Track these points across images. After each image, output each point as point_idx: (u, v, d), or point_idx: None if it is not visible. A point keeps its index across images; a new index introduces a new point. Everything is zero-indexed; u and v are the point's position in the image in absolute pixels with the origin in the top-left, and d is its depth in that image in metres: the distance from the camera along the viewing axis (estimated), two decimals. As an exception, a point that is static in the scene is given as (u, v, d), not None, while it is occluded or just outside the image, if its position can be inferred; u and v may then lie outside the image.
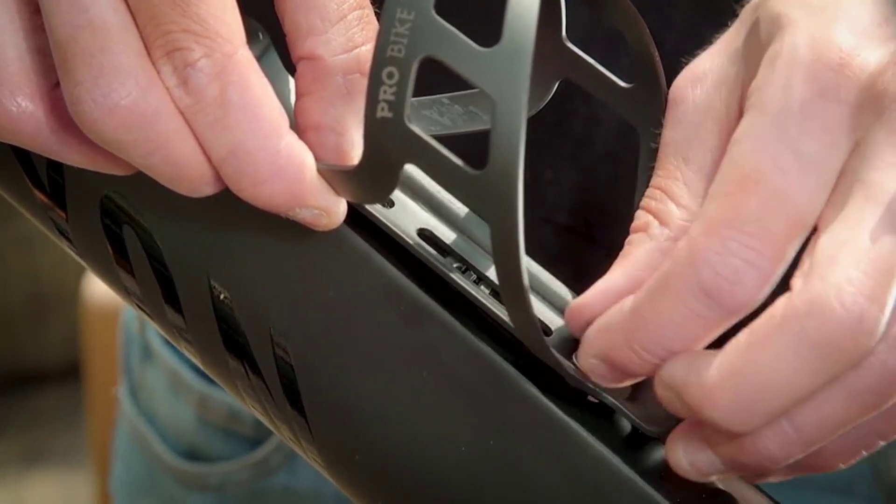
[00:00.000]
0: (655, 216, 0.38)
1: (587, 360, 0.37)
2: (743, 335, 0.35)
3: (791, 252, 0.35)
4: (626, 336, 0.36)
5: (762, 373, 0.34)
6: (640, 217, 0.38)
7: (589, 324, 0.37)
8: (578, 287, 0.41)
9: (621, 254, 0.38)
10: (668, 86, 0.41)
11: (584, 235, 0.56)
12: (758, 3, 0.38)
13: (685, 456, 0.37)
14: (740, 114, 0.37)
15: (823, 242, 0.35)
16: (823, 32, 0.36)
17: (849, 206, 0.35)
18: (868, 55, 0.35)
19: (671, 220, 0.37)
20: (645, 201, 0.39)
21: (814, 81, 0.35)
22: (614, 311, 0.37)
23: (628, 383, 0.38)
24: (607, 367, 0.37)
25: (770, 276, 0.34)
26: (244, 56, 0.35)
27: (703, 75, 0.39)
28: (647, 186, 0.39)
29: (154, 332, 0.75)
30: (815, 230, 0.36)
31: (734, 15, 0.40)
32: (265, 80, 0.36)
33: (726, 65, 0.38)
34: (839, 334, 0.33)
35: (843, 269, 0.34)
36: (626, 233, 0.40)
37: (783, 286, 0.35)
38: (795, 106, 0.35)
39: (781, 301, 0.34)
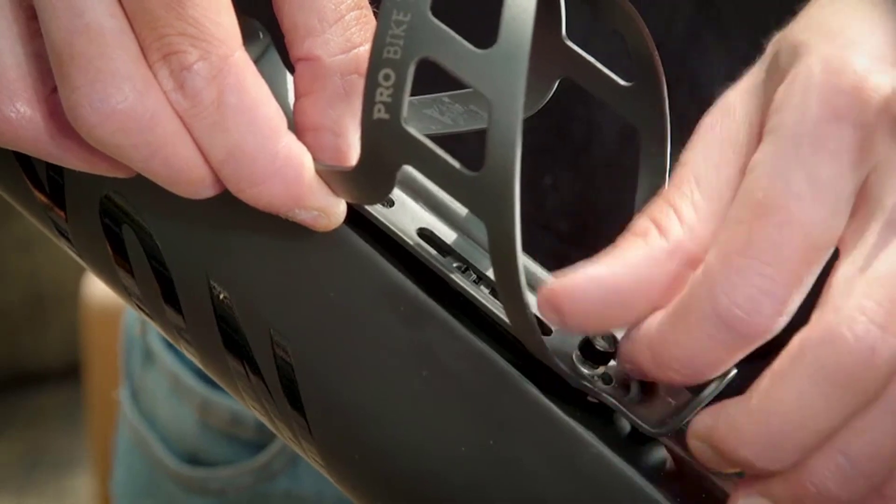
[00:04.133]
0: (657, 226, 0.38)
1: (623, 365, 0.38)
2: (766, 373, 0.35)
3: (808, 278, 0.35)
4: (653, 355, 0.36)
5: (785, 407, 0.34)
6: (641, 223, 0.38)
7: (562, 309, 0.37)
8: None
9: (612, 247, 0.38)
10: (668, 87, 0.41)
11: (583, 242, 0.56)
12: (781, 36, 0.38)
13: None
14: (759, 144, 0.37)
15: (840, 271, 0.35)
16: (838, 56, 0.35)
17: (867, 232, 0.35)
18: (883, 78, 0.35)
19: (671, 235, 0.37)
20: (650, 209, 0.39)
21: (828, 104, 0.35)
22: (644, 326, 0.37)
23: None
24: (637, 371, 0.38)
25: (786, 303, 0.34)
26: (240, 58, 0.35)
27: (731, 107, 0.39)
28: (653, 195, 0.39)
29: (155, 336, 0.75)
30: (837, 255, 0.36)
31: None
32: (262, 82, 0.36)
33: (751, 97, 0.38)
34: (853, 365, 0.33)
35: (855, 298, 0.34)
36: None
37: (809, 309, 0.35)
38: (809, 129, 0.35)
39: (798, 335, 0.34)
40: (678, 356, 0.36)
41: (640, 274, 0.36)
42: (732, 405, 0.35)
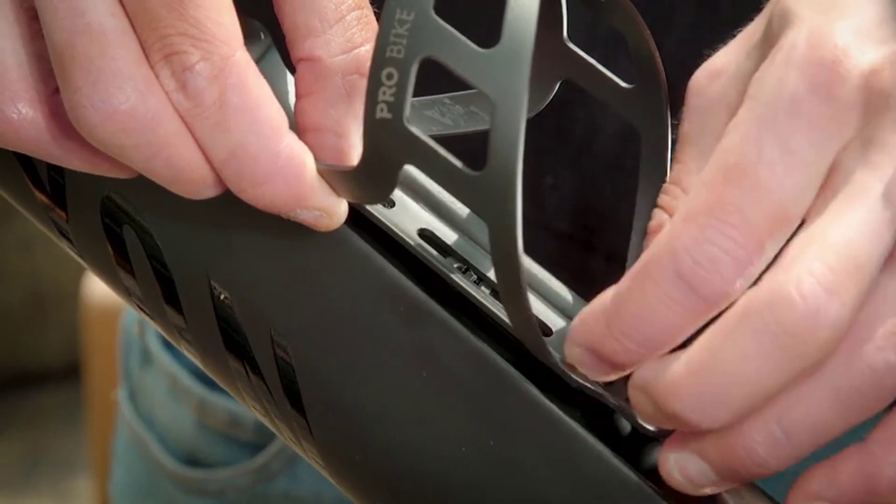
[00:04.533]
0: (671, 214, 0.38)
1: (572, 350, 0.37)
2: (707, 330, 0.35)
3: (772, 246, 0.35)
4: (608, 323, 0.36)
5: (726, 364, 0.34)
6: (656, 216, 0.38)
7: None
8: (578, 293, 0.41)
9: (639, 258, 0.38)
10: (669, 87, 0.41)
11: (584, 242, 0.56)
12: (775, 0, 0.38)
13: (677, 466, 0.36)
14: None
15: (798, 236, 0.35)
16: (823, 30, 0.36)
17: (831, 203, 0.35)
18: (863, 55, 0.35)
19: None
20: (660, 198, 0.39)
21: (807, 77, 0.35)
22: (598, 300, 0.36)
23: (614, 377, 0.38)
24: (592, 357, 0.37)
25: (747, 268, 0.34)
26: (242, 58, 0.35)
27: (721, 69, 0.39)
28: (654, 196, 0.39)
29: (154, 336, 0.75)
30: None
31: (735, 20, 0.40)
32: (264, 82, 0.36)
33: (743, 59, 0.38)
34: (798, 325, 0.33)
35: (807, 260, 0.34)
36: (627, 239, 0.40)
37: None
38: (786, 100, 0.35)
39: (747, 293, 0.34)
40: (635, 323, 0.35)
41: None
42: (673, 359, 0.35)
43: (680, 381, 0.34)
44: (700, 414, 0.34)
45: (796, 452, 0.35)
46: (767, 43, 0.37)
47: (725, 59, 0.39)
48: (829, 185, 0.35)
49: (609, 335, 0.36)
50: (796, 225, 0.35)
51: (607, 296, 0.36)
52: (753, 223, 0.34)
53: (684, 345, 0.35)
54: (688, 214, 0.35)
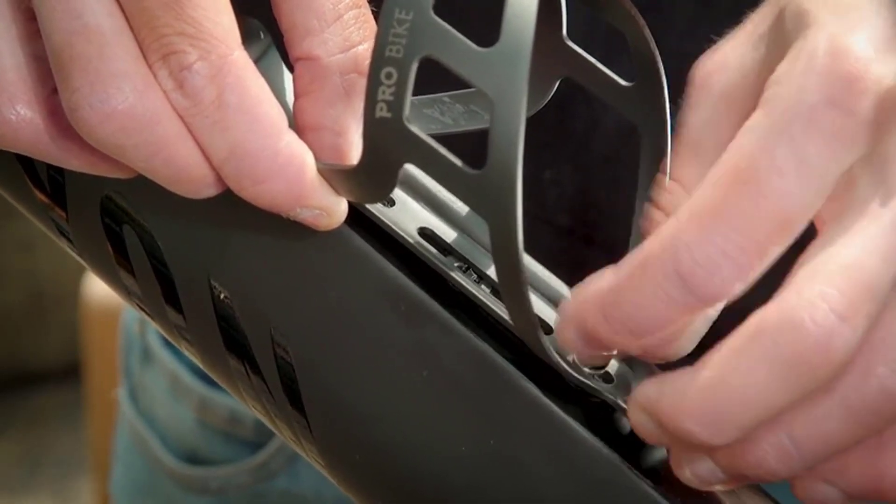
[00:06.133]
0: (664, 211, 0.38)
1: (564, 330, 0.37)
2: (719, 347, 0.35)
3: (774, 252, 0.34)
4: (603, 308, 0.36)
5: (736, 384, 0.34)
6: (649, 215, 0.38)
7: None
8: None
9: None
10: (669, 84, 0.41)
11: (583, 237, 0.56)
12: None
13: (688, 465, 0.37)
14: (757, 104, 0.37)
15: (808, 254, 0.35)
16: (843, 40, 0.35)
17: (843, 220, 0.35)
18: (884, 69, 0.35)
19: None
20: (654, 194, 0.38)
21: (826, 89, 0.35)
22: (593, 283, 0.36)
23: (600, 361, 0.38)
24: (583, 338, 0.37)
25: (747, 272, 0.34)
26: (240, 57, 0.35)
27: (726, 62, 0.38)
28: (655, 180, 0.39)
29: (154, 335, 0.75)
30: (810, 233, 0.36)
31: (736, 16, 0.40)
32: (262, 81, 0.36)
33: (749, 52, 0.38)
34: (809, 351, 0.33)
35: (819, 284, 0.33)
36: (626, 234, 0.40)
37: (769, 286, 0.35)
38: (805, 110, 0.35)
39: (757, 314, 0.34)
40: (630, 312, 0.35)
41: None
42: (680, 377, 0.35)
43: (690, 400, 0.34)
44: (710, 432, 0.34)
45: (806, 463, 0.35)
46: (779, 39, 0.37)
47: (729, 52, 0.39)
48: (841, 196, 0.35)
49: (603, 321, 0.36)
50: (801, 230, 0.35)
51: (603, 281, 0.36)
52: (758, 229, 0.34)
53: (690, 359, 0.35)
54: (692, 213, 0.35)
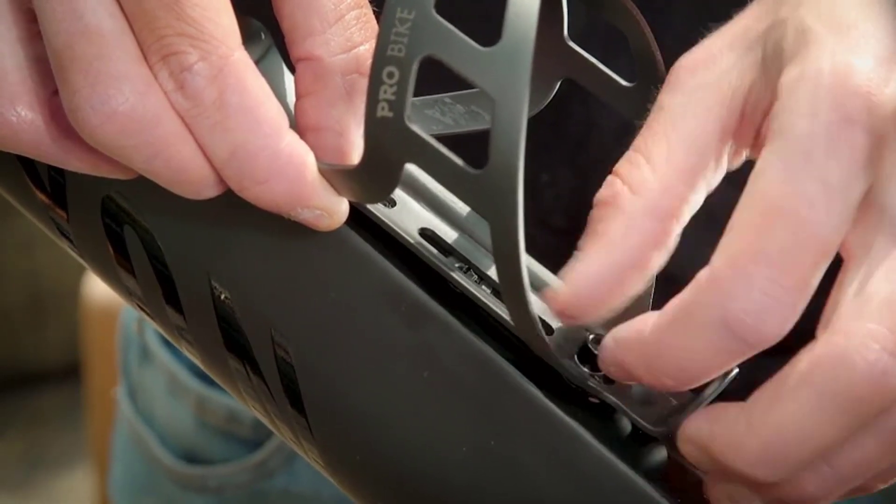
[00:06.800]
0: (628, 185, 0.37)
1: (606, 368, 0.37)
2: (769, 387, 0.35)
3: (815, 283, 0.34)
4: (646, 360, 0.36)
5: (788, 425, 0.34)
6: (610, 185, 0.37)
7: (575, 316, 0.37)
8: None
9: (591, 231, 0.37)
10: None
11: (579, 237, 0.56)
12: (785, 2, 0.38)
13: (727, 495, 0.37)
14: (744, 107, 0.37)
15: (848, 286, 0.35)
16: (847, 57, 0.35)
17: (874, 246, 0.35)
18: (891, 82, 0.35)
19: (644, 189, 0.36)
20: (619, 166, 0.37)
21: (839, 108, 0.34)
22: (635, 330, 0.36)
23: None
24: (623, 375, 0.37)
25: (795, 310, 0.34)
26: (240, 57, 0.35)
27: (716, 55, 0.38)
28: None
29: (152, 334, 0.75)
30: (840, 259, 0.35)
31: (730, 15, 0.40)
32: (263, 81, 0.36)
33: (743, 51, 0.38)
34: (863, 390, 0.33)
35: (866, 323, 0.34)
36: None
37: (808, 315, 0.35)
38: (821, 133, 0.34)
39: (806, 354, 0.34)
40: (674, 363, 0.35)
41: (626, 247, 0.36)
42: (731, 415, 0.35)
43: (742, 440, 0.35)
44: (763, 471, 0.35)
45: (844, 488, 0.35)
46: (778, 51, 0.37)
47: (721, 46, 0.38)
48: (865, 218, 0.35)
49: (644, 367, 0.36)
50: (834, 254, 0.35)
51: (645, 329, 0.36)
52: (799, 264, 0.34)
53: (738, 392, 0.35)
54: (731, 258, 0.34)
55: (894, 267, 0.34)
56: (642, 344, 0.36)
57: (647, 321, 0.36)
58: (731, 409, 0.35)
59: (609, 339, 0.37)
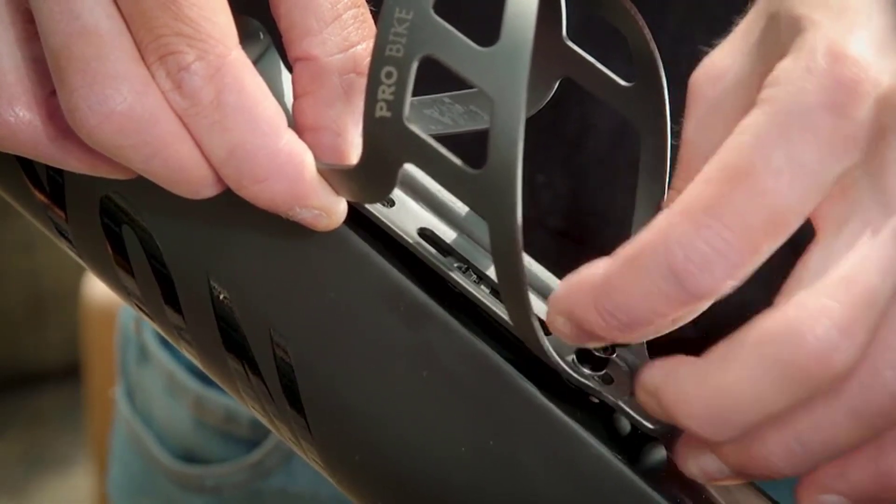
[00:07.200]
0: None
1: (554, 318, 0.37)
2: (720, 348, 0.35)
3: (766, 251, 0.35)
4: (594, 298, 0.36)
5: (732, 387, 0.34)
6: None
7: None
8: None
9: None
10: (666, 86, 0.41)
11: (577, 239, 0.56)
12: None
13: (694, 460, 0.37)
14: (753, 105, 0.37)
15: (811, 260, 0.35)
16: (841, 42, 0.35)
17: (844, 226, 0.35)
18: (883, 73, 0.35)
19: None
20: (665, 205, 0.38)
21: (825, 93, 0.35)
22: (585, 272, 0.36)
23: (591, 345, 0.38)
24: (573, 326, 0.37)
25: (739, 270, 0.34)
26: (238, 57, 0.35)
27: (722, 72, 0.38)
28: (653, 194, 0.39)
29: (150, 334, 0.75)
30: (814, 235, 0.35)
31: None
32: (261, 80, 0.36)
33: (743, 60, 0.38)
34: (809, 363, 0.33)
35: (822, 298, 0.34)
36: (620, 235, 0.40)
37: (766, 281, 0.35)
38: (803, 113, 0.35)
39: (759, 320, 0.34)
40: (622, 305, 0.35)
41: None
42: (683, 370, 0.35)
43: (689, 395, 0.35)
44: (708, 430, 0.35)
45: (812, 463, 0.35)
46: (775, 45, 0.37)
47: (726, 61, 0.39)
48: (840, 199, 0.35)
49: (594, 311, 0.36)
50: (795, 229, 0.35)
51: (596, 272, 0.36)
52: (751, 227, 0.34)
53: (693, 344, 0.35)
54: (685, 208, 0.35)
55: (862, 248, 0.34)
56: (592, 285, 0.36)
57: (599, 265, 0.36)
58: (686, 363, 0.35)
59: (561, 284, 0.37)
